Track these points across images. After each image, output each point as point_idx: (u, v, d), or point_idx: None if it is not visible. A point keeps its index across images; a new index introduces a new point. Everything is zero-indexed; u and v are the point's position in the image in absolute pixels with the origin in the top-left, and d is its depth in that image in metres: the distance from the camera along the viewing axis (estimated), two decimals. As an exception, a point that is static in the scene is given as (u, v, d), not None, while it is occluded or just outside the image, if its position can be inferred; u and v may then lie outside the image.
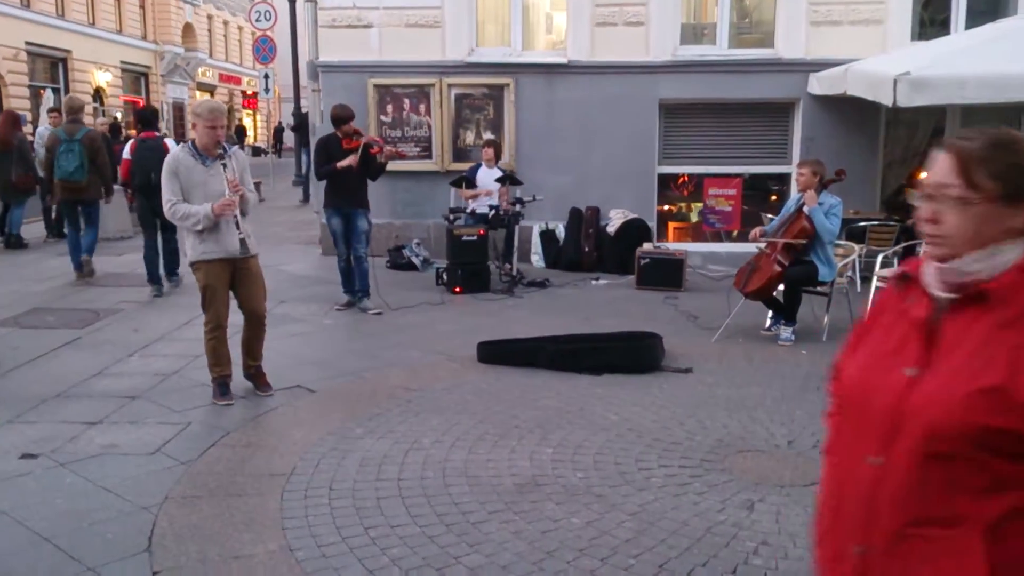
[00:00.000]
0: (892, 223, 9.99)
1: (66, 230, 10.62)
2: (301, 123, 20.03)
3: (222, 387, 5.73)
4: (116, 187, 10.91)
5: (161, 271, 9.34)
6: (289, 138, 28.89)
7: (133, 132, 29.53)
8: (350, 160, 8.11)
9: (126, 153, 9.52)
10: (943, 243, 1.60)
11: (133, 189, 9.47)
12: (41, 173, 12.42)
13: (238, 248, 5.56)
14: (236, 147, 5.98)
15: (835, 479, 1.74)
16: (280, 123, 37.20)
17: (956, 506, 1.52)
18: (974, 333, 1.55)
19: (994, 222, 1.56)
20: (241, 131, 41.85)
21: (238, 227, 5.54)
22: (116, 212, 12.90)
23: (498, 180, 10.00)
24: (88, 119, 26.96)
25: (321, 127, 10.78)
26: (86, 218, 10.21)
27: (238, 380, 5.87)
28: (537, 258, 11.19)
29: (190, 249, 5.62)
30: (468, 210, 9.94)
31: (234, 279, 5.67)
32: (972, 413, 1.48)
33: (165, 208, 5.55)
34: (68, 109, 10.52)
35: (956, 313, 1.60)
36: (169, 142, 10.00)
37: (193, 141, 5.65)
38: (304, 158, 19.35)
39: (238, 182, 5.55)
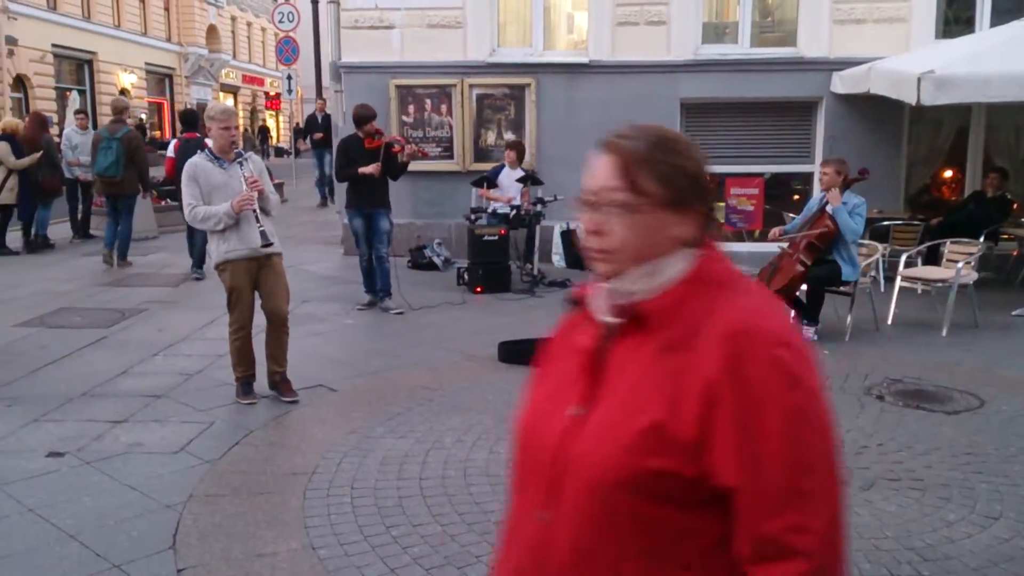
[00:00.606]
0: (916, 222, 9.92)
1: (97, 232, 11.67)
2: (307, 129, 19.52)
3: (245, 387, 5.77)
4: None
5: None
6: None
7: (157, 134, 29.91)
8: (373, 168, 8.15)
9: (170, 152, 10.82)
10: (609, 258, 1.40)
11: (176, 185, 10.10)
12: (68, 174, 12.61)
13: (259, 241, 5.60)
14: (251, 153, 6.05)
15: (509, 537, 1.53)
16: (298, 124, 37.28)
17: (629, 569, 1.33)
18: (637, 362, 1.36)
19: (660, 232, 1.38)
20: (264, 132, 42.11)
21: (257, 221, 5.57)
22: (141, 213, 13.01)
23: (519, 180, 10.00)
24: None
25: (344, 128, 10.84)
26: (123, 211, 10.99)
27: (260, 381, 5.91)
28: (558, 258, 11.18)
29: (214, 251, 5.67)
30: (489, 210, 9.95)
31: (257, 278, 5.71)
32: (634, 456, 1.30)
33: (186, 212, 5.62)
34: (112, 110, 11.61)
35: (623, 340, 1.40)
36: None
37: (209, 148, 5.71)
38: (314, 160, 19.14)
39: (256, 177, 5.60)
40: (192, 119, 11.13)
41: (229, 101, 39.62)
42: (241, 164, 5.61)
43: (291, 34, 20.77)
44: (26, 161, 11.70)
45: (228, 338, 5.81)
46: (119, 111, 11.31)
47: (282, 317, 5.85)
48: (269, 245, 5.62)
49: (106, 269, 10.61)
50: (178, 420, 5.42)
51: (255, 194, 5.52)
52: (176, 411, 5.59)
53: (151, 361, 6.78)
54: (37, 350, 7.03)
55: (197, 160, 5.66)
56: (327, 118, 18.48)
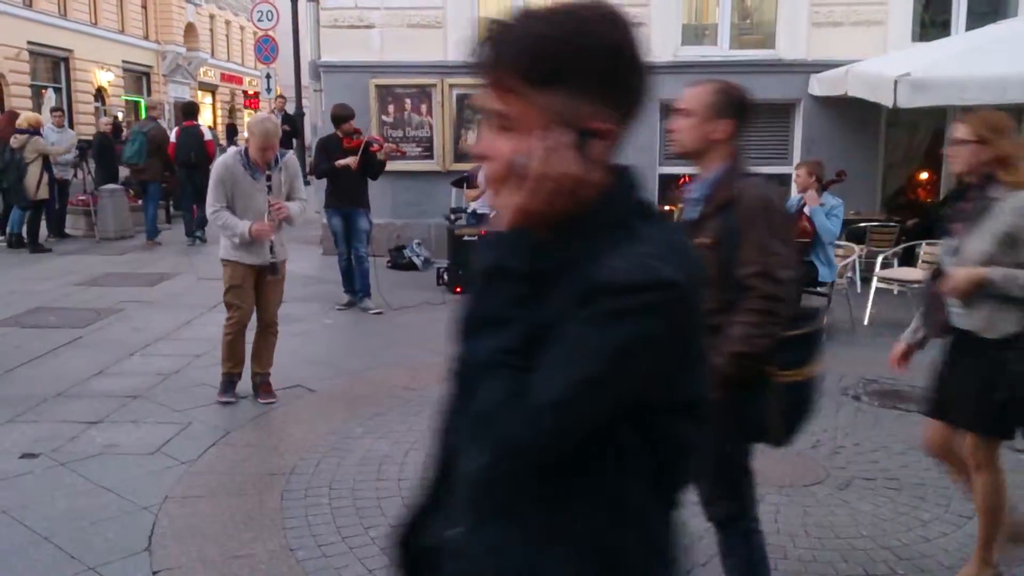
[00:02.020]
0: (892, 224, 9.99)
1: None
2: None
3: (228, 384, 5.71)
4: (116, 187, 13.64)
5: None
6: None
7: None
8: (349, 160, 8.11)
9: (172, 137, 12.70)
10: None
11: (178, 165, 12.54)
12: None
13: (268, 259, 5.57)
14: (290, 153, 5.95)
15: None
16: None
17: None
18: None
19: None
20: (233, 130, 41.76)
21: (271, 243, 5.56)
22: (117, 212, 12.98)
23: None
24: (90, 118, 27.08)
25: (323, 128, 10.80)
26: (150, 195, 12.82)
27: (241, 382, 5.86)
28: (538, 258, 11.17)
29: (222, 247, 5.61)
30: (469, 210, 9.94)
31: (259, 281, 5.66)
32: None
33: (208, 212, 5.56)
34: (148, 107, 14.73)
35: None
36: (204, 129, 13.56)
37: (246, 148, 5.57)
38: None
39: (282, 204, 5.54)
40: (192, 109, 13.24)
41: (207, 100, 39.40)
42: (269, 179, 5.52)
43: (270, 33, 20.60)
44: (61, 148, 12.62)
45: (222, 332, 5.72)
46: (151, 108, 14.20)
47: (271, 322, 5.83)
48: (274, 261, 5.59)
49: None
50: (154, 421, 5.38)
51: (275, 224, 5.49)
52: (152, 412, 5.55)
53: (127, 361, 6.72)
54: (11, 350, 6.95)
55: (229, 162, 5.53)
56: (288, 118, 18.27)
